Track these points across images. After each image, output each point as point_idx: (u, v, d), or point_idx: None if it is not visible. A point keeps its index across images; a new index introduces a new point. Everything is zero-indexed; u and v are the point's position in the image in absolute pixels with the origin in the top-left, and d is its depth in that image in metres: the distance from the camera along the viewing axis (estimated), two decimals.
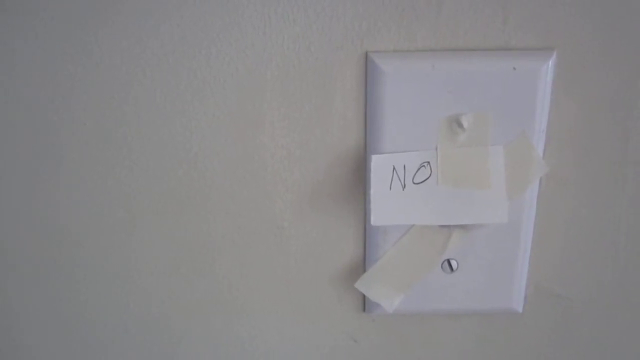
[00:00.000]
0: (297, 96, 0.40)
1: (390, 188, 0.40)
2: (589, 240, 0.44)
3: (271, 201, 0.43)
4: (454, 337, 0.47)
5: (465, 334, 0.47)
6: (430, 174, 0.40)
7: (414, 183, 0.40)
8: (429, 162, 0.40)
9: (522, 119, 0.40)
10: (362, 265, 0.45)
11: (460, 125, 0.39)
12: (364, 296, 0.46)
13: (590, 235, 0.44)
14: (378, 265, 0.44)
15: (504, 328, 0.47)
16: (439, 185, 0.40)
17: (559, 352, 0.48)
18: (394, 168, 0.40)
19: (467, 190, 0.40)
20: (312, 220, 0.44)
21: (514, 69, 0.38)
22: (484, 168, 0.40)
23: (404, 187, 0.40)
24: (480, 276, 0.44)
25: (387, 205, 0.40)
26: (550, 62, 0.38)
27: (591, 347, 0.47)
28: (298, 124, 0.41)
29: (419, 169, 0.40)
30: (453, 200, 0.40)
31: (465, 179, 0.40)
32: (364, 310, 0.47)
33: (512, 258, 0.44)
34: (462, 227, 0.42)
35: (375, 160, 0.39)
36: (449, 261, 0.44)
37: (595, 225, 0.44)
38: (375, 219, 0.40)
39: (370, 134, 0.41)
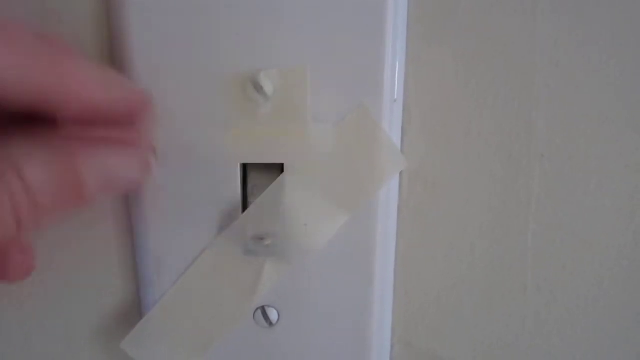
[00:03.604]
0: None
1: None
2: (478, 274, 0.29)
3: None
4: None
5: None
6: None
7: None
8: None
9: (361, 81, 0.25)
10: (138, 313, 0.30)
11: (258, 88, 0.24)
12: None
13: (482, 265, 0.29)
14: (152, 316, 0.28)
15: None
16: None
17: None
18: None
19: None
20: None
21: None
22: (299, 155, 0.25)
23: None
24: (316, 333, 0.28)
25: None
26: None
27: None
28: None
29: None
30: None
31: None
32: None
33: (365, 303, 0.28)
34: (279, 253, 0.27)
35: None
36: (263, 310, 0.28)
37: (488, 248, 0.28)
38: None
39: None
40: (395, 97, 0.25)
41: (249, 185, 0.26)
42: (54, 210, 0.21)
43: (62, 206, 0.21)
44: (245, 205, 0.26)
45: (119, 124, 0.22)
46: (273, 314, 0.28)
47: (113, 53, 0.26)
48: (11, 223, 0.20)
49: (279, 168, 0.26)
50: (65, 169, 0.21)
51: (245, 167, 0.26)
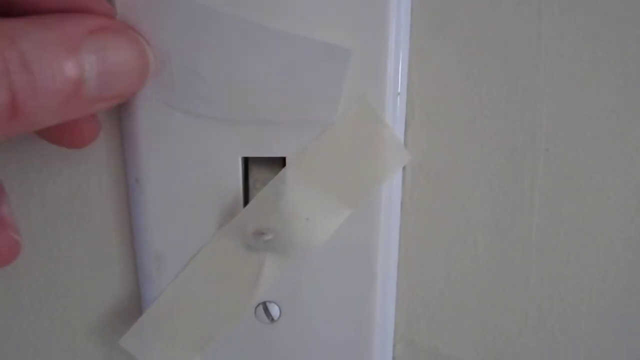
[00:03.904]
0: None
1: None
2: (482, 267, 0.29)
3: None
4: None
5: None
6: None
7: None
8: None
9: (364, 73, 0.24)
10: (138, 309, 0.29)
11: None
12: None
13: (485, 259, 0.28)
14: (152, 312, 0.27)
15: None
16: None
17: None
18: None
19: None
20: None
21: None
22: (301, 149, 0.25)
23: None
24: (318, 329, 0.28)
25: None
26: None
27: None
28: None
29: None
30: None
31: None
32: None
33: (367, 298, 0.28)
34: (280, 248, 0.26)
35: None
36: (265, 305, 0.28)
37: (491, 242, 0.28)
38: None
39: None
40: (399, 89, 0.25)
41: (251, 180, 0.26)
42: (51, 105, 0.18)
43: (59, 102, 0.18)
44: (246, 200, 0.26)
45: None
46: (274, 310, 0.28)
47: None
48: (6, 102, 0.17)
49: (281, 162, 0.26)
50: (64, 49, 0.18)
51: (246, 162, 0.26)
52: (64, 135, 0.23)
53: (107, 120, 0.26)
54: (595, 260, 0.28)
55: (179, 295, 0.27)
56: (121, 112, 0.25)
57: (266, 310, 0.28)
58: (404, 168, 0.27)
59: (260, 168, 0.26)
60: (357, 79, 0.24)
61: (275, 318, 0.28)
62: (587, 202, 0.27)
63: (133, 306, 0.29)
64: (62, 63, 0.18)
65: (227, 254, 0.26)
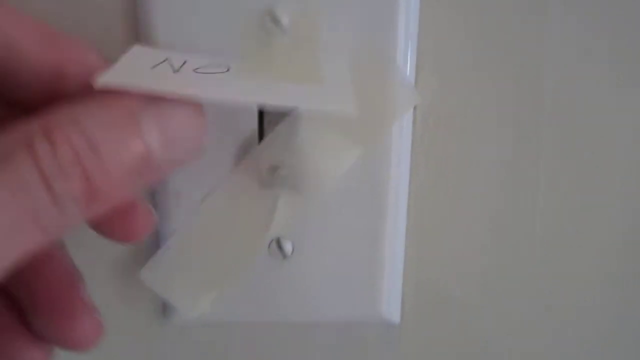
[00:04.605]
0: None
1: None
2: (492, 208, 0.30)
3: None
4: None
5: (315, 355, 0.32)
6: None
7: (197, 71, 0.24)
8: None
9: (376, 15, 0.25)
10: (156, 243, 0.30)
11: (276, 21, 0.25)
12: None
13: (494, 199, 0.29)
14: (170, 246, 0.29)
15: (374, 347, 0.32)
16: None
17: None
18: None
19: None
20: None
21: None
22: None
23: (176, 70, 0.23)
24: (330, 265, 0.29)
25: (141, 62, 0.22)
26: None
27: None
28: None
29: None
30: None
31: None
32: (164, 314, 0.31)
33: (377, 237, 0.29)
34: (294, 185, 0.27)
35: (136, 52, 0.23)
36: (278, 241, 0.29)
37: (501, 182, 0.29)
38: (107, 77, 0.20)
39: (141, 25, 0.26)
40: (410, 31, 0.26)
41: (265, 120, 0.27)
42: (124, 181, 0.19)
43: (132, 177, 0.19)
44: (261, 138, 0.27)
45: None
46: (287, 246, 0.29)
47: None
48: (83, 188, 0.17)
49: None
50: (126, 126, 0.19)
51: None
52: (117, 227, 0.24)
53: None
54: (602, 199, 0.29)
55: (195, 231, 0.28)
56: None
57: (279, 246, 0.29)
58: (414, 111, 0.28)
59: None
60: (369, 21, 0.25)
61: (288, 254, 0.29)
62: (592, 144, 0.28)
63: (151, 244, 0.30)
64: (128, 140, 0.19)
65: (242, 191, 0.28)
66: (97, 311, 0.24)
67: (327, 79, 0.24)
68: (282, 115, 0.26)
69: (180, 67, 0.22)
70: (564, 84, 0.27)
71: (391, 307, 0.30)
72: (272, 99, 0.21)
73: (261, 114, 0.27)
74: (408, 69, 0.26)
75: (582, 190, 0.29)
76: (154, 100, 0.19)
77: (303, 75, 0.24)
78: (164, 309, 0.31)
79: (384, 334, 0.31)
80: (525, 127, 0.28)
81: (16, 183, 0.16)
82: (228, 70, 0.22)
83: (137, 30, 0.26)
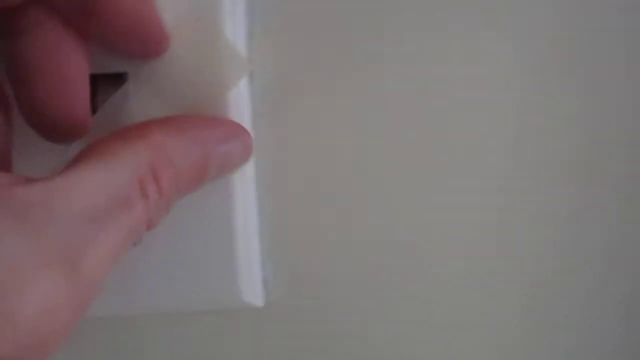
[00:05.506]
0: None
1: None
2: (348, 176, 0.30)
3: None
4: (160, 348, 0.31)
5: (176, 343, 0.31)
6: None
7: None
8: None
9: None
10: None
11: None
12: None
13: (350, 169, 0.30)
14: None
15: (236, 332, 0.31)
16: None
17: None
18: None
19: None
20: None
21: None
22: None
23: None
24: (183, 249, 0.28)
25: None
26: None
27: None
28: None
29: None
30: None
31: None
32: None
33: (228, 215, 0.28)
34: None
35: None
36: None
37: (353, 159, 0.30)
38: None
39: None
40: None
41: (98, 100, 0.27)
42: (183, 194, 0.22)
43: (187, 191, 0.22)
44: (94, 112, 0.26)
45: None
46: None
47: None
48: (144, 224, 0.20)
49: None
50: (202, 162, 0.22)
51: (94, 81, 0.26)
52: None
53: None
54: None
55: None
56: None
57: None
58: (251, 80, 0.28)
59: (107, 87, 0.26)
60: None
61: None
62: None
63: None
64: (200, 180, 0.23)
65: None
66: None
67: None
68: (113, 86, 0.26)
69: None
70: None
71: (253, 290, 0.30)
72: None
73: (93, 95, 0.26)
74: (237, 35, 0.27)
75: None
76: (225, 140, 0.24)
77: None
78: None
79: (249, 318, 0.30)
80: (368, 86, 0.29)
81: (132, 225, 0.19)
82: None
83: None
